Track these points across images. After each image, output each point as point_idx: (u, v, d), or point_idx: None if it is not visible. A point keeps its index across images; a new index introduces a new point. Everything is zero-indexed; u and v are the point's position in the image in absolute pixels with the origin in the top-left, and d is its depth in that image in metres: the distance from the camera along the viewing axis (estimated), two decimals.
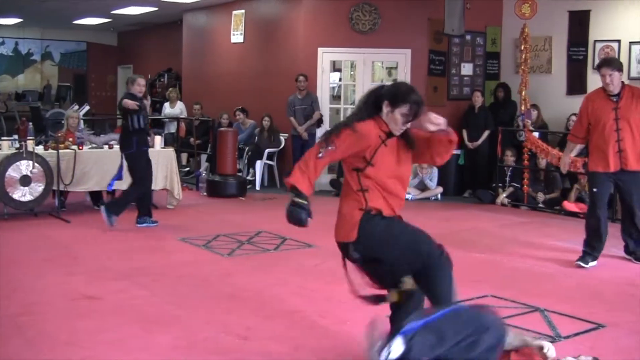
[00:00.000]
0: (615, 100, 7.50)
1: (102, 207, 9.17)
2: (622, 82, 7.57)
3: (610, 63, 7.56)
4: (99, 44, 24.04)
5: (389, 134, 4.31)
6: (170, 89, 17.00)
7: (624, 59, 12.05)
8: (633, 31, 11.96)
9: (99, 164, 10.00)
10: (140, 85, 9.35)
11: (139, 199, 9.44)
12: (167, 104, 15.96)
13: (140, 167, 9.29)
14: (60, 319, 5.43)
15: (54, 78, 23.45)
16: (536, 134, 11.74)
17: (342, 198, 4.67)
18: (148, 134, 9.68)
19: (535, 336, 4.15)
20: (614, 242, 8.98)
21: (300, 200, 4.48)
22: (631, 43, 11.98)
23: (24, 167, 9.41)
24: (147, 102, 10.32)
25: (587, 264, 7.60)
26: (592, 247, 7.72)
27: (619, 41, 12.16)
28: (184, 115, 15.48)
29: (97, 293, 6.16)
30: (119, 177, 9.94)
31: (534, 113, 12.05)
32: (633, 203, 7.66)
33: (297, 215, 4.53)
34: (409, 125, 4.32)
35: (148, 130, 9.70)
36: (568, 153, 8.23)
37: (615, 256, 8.18)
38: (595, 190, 7.68)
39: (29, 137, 9.87)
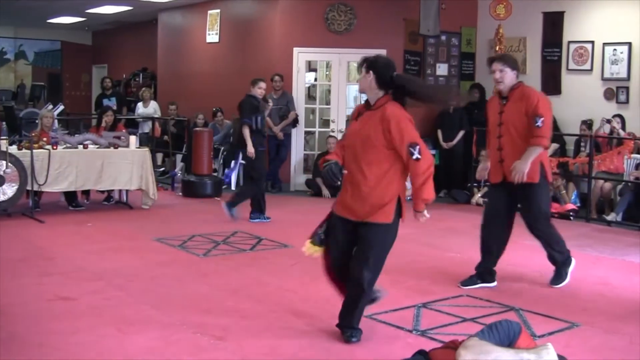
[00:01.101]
0: (503, 103, 6.62)
1: (223, 204, 9.95)
2: (519, 83, 6.63)
3: (503, 58, 6.74)
4: (74, 43, 23.90)
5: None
6: (144, 88, 16.92)
7: (597, 60, 12.17)
8: (606, 32, 12.06)
9: (73, 164, 9.93)
10: (261, 88, 10.10)
11: (253, 196, 9.97)
12: (140, 104, 15.89)
13: (258, 166, 9.92)
14: (34, 320, 5.40)
15: (28, 77, 23.28)
16: None
17: (377, 180, 4.93)
18: (264, 136, 10.24)
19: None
20: (588, 242, 9.06)
21: (330, 160, 4.99)
22: (604, 44, 12.08)
23: None
24: (269, 105, 11.19)
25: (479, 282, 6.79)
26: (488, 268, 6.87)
27: (592, 42, 12.25)
28: (158, 114, 15.43)
29: (72, 294, 6.12)
30: (233, 171, 11.55)
31: None
32: (527, 215, 6.79)
33: (329, 169, 4.96)
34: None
35: (264, 132, 10.26)
36: (484, 160, 7.17)
37: (589, 255, 8.24)
38: (487, 201, 7.13)
39: (2, 137, 9.78)
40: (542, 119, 6.36)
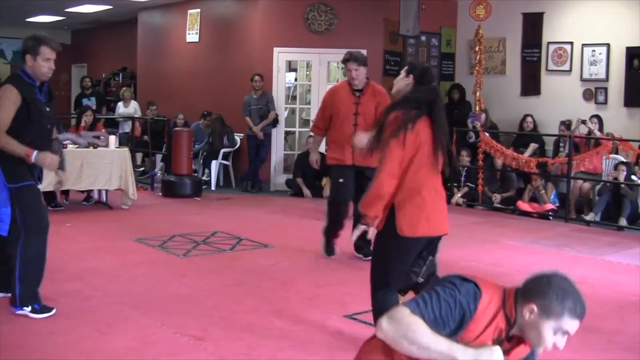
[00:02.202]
0: (358, 95, 7.56)
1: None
2: (367, 79, 7.63)
3: (357, 58, 7.54)
4: None
5: None
6: (124, 88, 16.85)
7: (576, 60, 12.25)
8: (585, 33, 12.14)
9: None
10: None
11: None
12: (120, 104, 15.84)
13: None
14: (11, 321, 5.36)
15: (6, 76, 23.07)
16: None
17: (430, 188, 4.48)
18: None
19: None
20: (566, 241, 9.11)
21: None
22: (583, 45, 12.16)
23: None
24: None
25: (330, 254, 7.83)
26: (334, 235, 7.83)
27: (571, 43, 12.33)
28: (138, 114, 15.38)
29: (50, 294, 6.08)
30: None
31: (483, 116, 12.10)
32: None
33: None
34: None
35: None
36: (315, 148, 8.24)
37: (567, 255, 8.29)
38: (341, 181, 7.67)
39: None
40: None
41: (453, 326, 2.74)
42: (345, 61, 7.62)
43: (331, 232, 7.82)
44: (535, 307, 2.78)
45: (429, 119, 4.37)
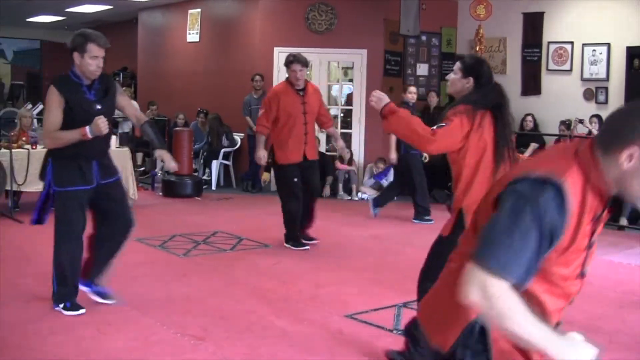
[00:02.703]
0: (301, 94, 7.97)
1: (370, 199, 10.86)
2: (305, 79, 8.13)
3: (301, 60, 7.93)
4: (53, 42, 23.71)
5: None
6: (124, 88, 16.83)
7: (576, 60, 12.24)
8: (586, 33, 12.12)
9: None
10: (412, 93, 10.66)
11: (417, 199, 10.45)
12: None
13: (414, 168, 10.37)
14: (12, 321, 5.36)
15: (7, 77, 23.12)
16: None
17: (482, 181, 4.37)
18: None
19: None
20: None
21: None
22: (584, 45, 12.15)
23: None
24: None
25: (302, 246, 8.17)
26: (294, 231, 8.20)
27: (572, 43, 12.32)
28: None
29: (50, 295, 6.08)
30: (385, 175, 12.28)
31: None
32: (313, 186, 8.27)
33: None
34: None
35: None
36: (261, 146, 8.28)
37: None
38: (296, 180, 7.99)
39: None
40: (328, 108, 8.59)
41: (545, 252, 2.18)
42: (289, 63, 7.95)
43: (294, 230, 8.19)
44: (635, 149, 2.11)
45: (493, 120, 4.23)
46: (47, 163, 5.44)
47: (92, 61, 5.31)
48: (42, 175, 5.54)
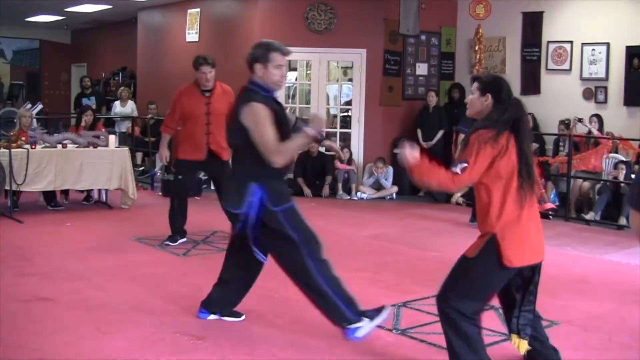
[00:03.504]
0: (207, 95, 8.06)
1: None
2: (216, 80, 8.21)
3: (210, 61, 8.02)
4: (53, 41, 23.75)
5: None
6: (122, 87, 16.87)
7: (576, 59, 12.24)
8: (585, 32, 12.13)
9: (52, 163, 9.88)
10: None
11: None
12: (117, 103, 15.84)
13: None
14: (12, 321, 5.36)
15: (6, 76, 23.10)
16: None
17: (533, 214, 4.28)
18: None
19: None
20: (567, 240, 9.11)
21: None
22: (583, 44, 12.15)
23: None
24: None
25: (176, 242, 8.30)
26: (180, 227, 8.40)
27: (571, 42, 12.32)
28: (135, 114, 15.38)
29: (50, 294, 6.09)
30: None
31: None
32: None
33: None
34: None
35: None
36: (164, 144, 8.58)
37: (568, 254, 8.29)
38: (180, 177, 8.23)
39: None
40: None
41: None
42: (199, 65, 7.97)
43: (176, 221, 8.37)
44: None
45: (515, 138, 4.12)
46: (251, 188, 4.95)
47: (276, 71, 5.04)
48: (240, 204, 5.04)
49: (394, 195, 12.55)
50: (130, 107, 15.60)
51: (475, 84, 4.32)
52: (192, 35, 15.23)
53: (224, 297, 5.53)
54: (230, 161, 7.72)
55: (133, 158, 12.34)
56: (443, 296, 4.22)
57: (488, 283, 4.22)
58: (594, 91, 12.06)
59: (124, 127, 15.31)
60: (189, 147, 8.11)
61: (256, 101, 4.87)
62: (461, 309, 4.15)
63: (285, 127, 4.96)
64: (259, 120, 4.81)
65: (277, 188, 5.04)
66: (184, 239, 8.42)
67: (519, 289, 4.32)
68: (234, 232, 5.44)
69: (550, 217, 10.58)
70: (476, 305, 4.23)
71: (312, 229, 5.09)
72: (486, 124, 4.12)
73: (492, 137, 4.03)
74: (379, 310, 4.98)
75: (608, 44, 11.85)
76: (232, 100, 7.41)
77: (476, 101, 4.29)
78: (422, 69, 13.97)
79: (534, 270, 4.30)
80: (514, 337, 4.30)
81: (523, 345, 4.28)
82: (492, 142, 4.02)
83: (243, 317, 5.52)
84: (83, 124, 11.00)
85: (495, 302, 6.12)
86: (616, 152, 11.21)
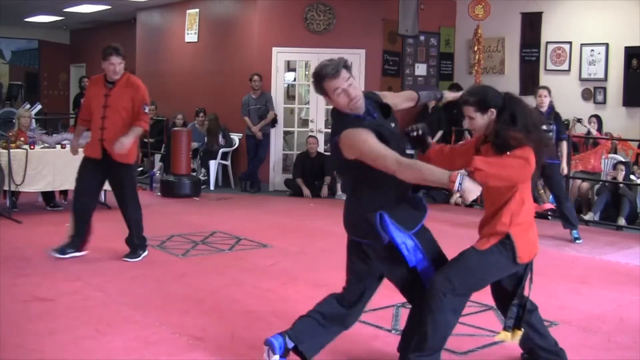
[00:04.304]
0: (109, 87, 7.37)
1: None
2: (126, 72, 7.60)
3: (120, 52, 7.41)
4: (52, 42, 23.73)
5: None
6: None
7: (575, 60, 12.24)
8: (584, 33, 12.13)
9: (51, 163, 9.88)
10: (540, 97, 9.18)
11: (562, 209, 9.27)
12: None
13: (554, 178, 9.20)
14: (11, 322, 5.36)
15: (5, 76, 23.07)
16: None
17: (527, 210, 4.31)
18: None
19: None
20: (565, 241, 9.11)
21: None
22: (582, 45, 12.16)
23: None
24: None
25: (64, 253, 7.36)
26: (81, 234, 7.47)
27: (570, 43, 12.33)
28: None
29: (49, 295, 6.09)
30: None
31: None
32: (117, 192, 7.62)
33: None
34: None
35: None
36: (77, 137, 7.94)
37: (567, 255, 8.28)
38: (77, 177, 7.54)
39: None
40: (148, 106, 7.53)
41: None
42: (108, 55, 7.33)
43: (78, 225, 7.49)
44: None
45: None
46: (377, 217, 4.17)
47: (339, 97, 4.16)
48: (373, 234, 4.19)
49: None
50: None
51: (470, 108, 4.20)
52: (191, 36, 15.23)
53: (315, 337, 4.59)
54: (129, 165, 7.41)
55: None
56: (446, 279, 4.20)
57: (493, 276, 4.31)
58: (593, 92, 12.07)
59: None
60: (90, 143, 7.48)
61: (354, 125, 4.10)
62: (457, 297, 4.19)
63: (391, 143, 4.14)
64: (361, 140, 4.04)
65: (394, 212, 4.24)
66: (76, 253, 7.46)
67: (510, 284, 4.37)
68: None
69: (549, 217, 10.58)
70: (467, 298, 4.31)
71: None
72: (518, 141, 4.08)
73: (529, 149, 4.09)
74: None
75: (607, 45, 11.86)
76: (137, 95, 7.37)
77: (481, 122, 4.22)
78: (421, 69, 13.98)
79: (527, 266, 4.34)
80: (503, 332, 4.35)
81: (507, 336, 4.33)
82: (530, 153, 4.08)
83: None
84: None
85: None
86: (615, 152, 11.22)
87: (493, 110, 4.18)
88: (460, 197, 3.92)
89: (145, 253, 7.61)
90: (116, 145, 7.08)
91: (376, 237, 4.15)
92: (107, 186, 10.31)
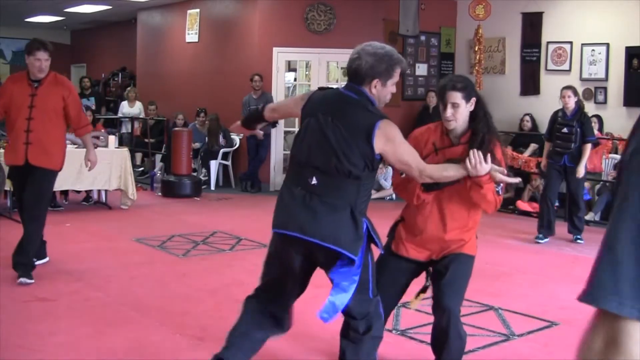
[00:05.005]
0: (35, 86, 6.58)
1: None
2: (51, 71, 6.76)
3: (48, 47, 6.76)
4: (52, 42, 23.43)
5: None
6: (129, 88, 16.85)
7: (575, 60, 12.24)
8: (585, 33, 12.13)
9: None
10: (564, 97, 9.06)
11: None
12: (124, 103, 15.85)
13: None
14: (12, 322, 5.36)
15: (6, 76, 22.97)
16: None
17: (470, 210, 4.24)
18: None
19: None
20: (566, 241, 9.11)
21: None
22: (583, 45, 12.15)
23: None
24: None
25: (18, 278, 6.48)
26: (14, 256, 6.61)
27: (570, 43, 12.32)
28: (143, 115, 15.41)
29: (50, 295, 6.10)
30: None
31: None
32: (25, 202, 6.73)
33: None
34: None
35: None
36: None
37: (567, 255, 8.29)
38: (16, 186, 6.89)
39: None
40: (82, 107, 7.06)
41: None
42: (35, 50, 6.62)
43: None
44: None
45: None
46: (362, 225, 3.95)
47: (392, 88, 4.05)
48: (356, 245, 3.88)
49: (394, 196, 12.53)
50: (138, 108, 15.60)
51: (458, 94, 4.05)
52: (191, 36, 15.23)
53: None
54: (54, 172, 6.72)
55: (132, 158, 12.34)
56: (458, 296, 4.21)
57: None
58: (594, 92, 12.06)
59: (130, 127, 15.35)
60: (9, 148, 6.74)
61: (386, 119, 3.88)
62: (460, 307, 4.21)
63: None
64: (398, 139, 3.86)
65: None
66: (24, 280, 6.45)
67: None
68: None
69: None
70: None
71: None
72: (493, 134, 4.10)
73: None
74: None
75: (608, 45, 11.85)
76: (68, 95, 6.65)
77: (464, 111, 4.09)
78: (421, 69, 13.98)
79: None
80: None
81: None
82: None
83: None
84: None
85: (495, 302, 6.14)
86: (616, 152, 11.22)
87: (474, 100, 4.10)
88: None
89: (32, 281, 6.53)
90: (89, 166, 6.95)
91: (356, 248, 3.83)
92: (107, 186, 10.38)
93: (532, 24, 12.89)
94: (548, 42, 12.69)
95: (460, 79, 4.20)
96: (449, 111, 4.03)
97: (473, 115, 4.11)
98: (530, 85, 12.88)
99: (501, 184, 4.07)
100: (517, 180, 4.14)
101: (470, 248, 4.25)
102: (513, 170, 11.36)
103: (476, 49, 12.13)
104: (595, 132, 11.11)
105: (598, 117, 11.45)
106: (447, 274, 4.18)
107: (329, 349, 4.96)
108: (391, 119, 3.94)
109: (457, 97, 4.04)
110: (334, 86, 4.79)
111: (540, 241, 8.92)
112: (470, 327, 5.43)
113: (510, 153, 11.23)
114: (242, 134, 13.23)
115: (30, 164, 6.48)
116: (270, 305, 4.14)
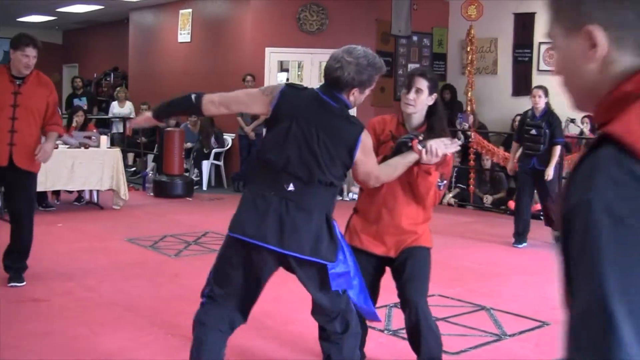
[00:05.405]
0: (18, 83, 6.30)
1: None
2: (35, 69, 6.49)
3: (38, 44, 6.45)
4: (44, 42, 23.26)
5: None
6: (119, 88, 16.84)
7: None
8: None
9: (44, 164, 9.83)
10: (534, 97, 9.17)
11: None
12: (115, 104, 15.84)
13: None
14: (5, 322, 5.35)
15: None
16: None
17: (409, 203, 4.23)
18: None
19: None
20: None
21: None
22: None
23: None
24: None
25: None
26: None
27: None
28: (133, 115, 15.39)
29: (43, 295, 6.08)
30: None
31: (470, 117, 12.11)
32: (13, 206, 6.75)
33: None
34: None
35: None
36: None
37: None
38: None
39: None
40: (58, 107, 6.77)
41: None
42: (24, 45, 6.27)
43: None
44: None
45: None
46: (334, 228, 3.94)
47: (366, 95, 4.08)
48: (332, 251, 3.86)
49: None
50: (128, 108, 15.59)
51: (424, 82, 4.11)
52: (184, 36, 15.23)
53: None
54: (36, 174, 6.68)
55: (124, 159, 12.33)
56: (422, 289, 4.24)
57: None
58: None
59: (121, 128, 15.33)
60: None
61: (363, 127, 3.91)
62: (426, 299, 4.26)
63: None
64: (371, 148, 3.91)
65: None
66: (15, 285, 6.38)
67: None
68: None
69: (542, 217, 10.60)
70: None
71: None
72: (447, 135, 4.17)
73: None
74: None
75: None
76: (51, 96, 6.49)
77: (425, 100, 4.14)
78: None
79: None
80: None
81: None
82: None
83: None
84: (74, 124, 10.99)
85: (486, 302, 6.15)
86: None
87: (436, 96, 4.17)
88: (427, 155, 3.93)
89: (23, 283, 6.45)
90: (40, 154, 6.36)
91: (332, 253, 3.83)
92: (98, 186, 10.36)
93: (524, 24, 12.92)
94: (540, 43, 12.72)
95: (431, 73, 4.29)
96: (412, 94, 4.10)
97: (431, 112, 4.19)
98: (522, 85, 12.91)
99: (444, 181, 4.14)
100: (458, 142, 4.14)
101: (425, 240, 4.26)
102: (504, 171, 11.45)
103: (468, 50, 12.15)
104: (587, 132, 11.15)
105: (590, 117, 11.47)
106: (406, 269, 4.21)
107: (318, 350, 4.96)
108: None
109: (423, 84, 4.10)
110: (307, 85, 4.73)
111: (518, 246, 8.86)
112: (462, 327, 5.45)
113: (502, 154, 11.25)
114: (233, 134, 13.22)
115: (16, 166, 6.26)
116: (232, 314, 4.24)
